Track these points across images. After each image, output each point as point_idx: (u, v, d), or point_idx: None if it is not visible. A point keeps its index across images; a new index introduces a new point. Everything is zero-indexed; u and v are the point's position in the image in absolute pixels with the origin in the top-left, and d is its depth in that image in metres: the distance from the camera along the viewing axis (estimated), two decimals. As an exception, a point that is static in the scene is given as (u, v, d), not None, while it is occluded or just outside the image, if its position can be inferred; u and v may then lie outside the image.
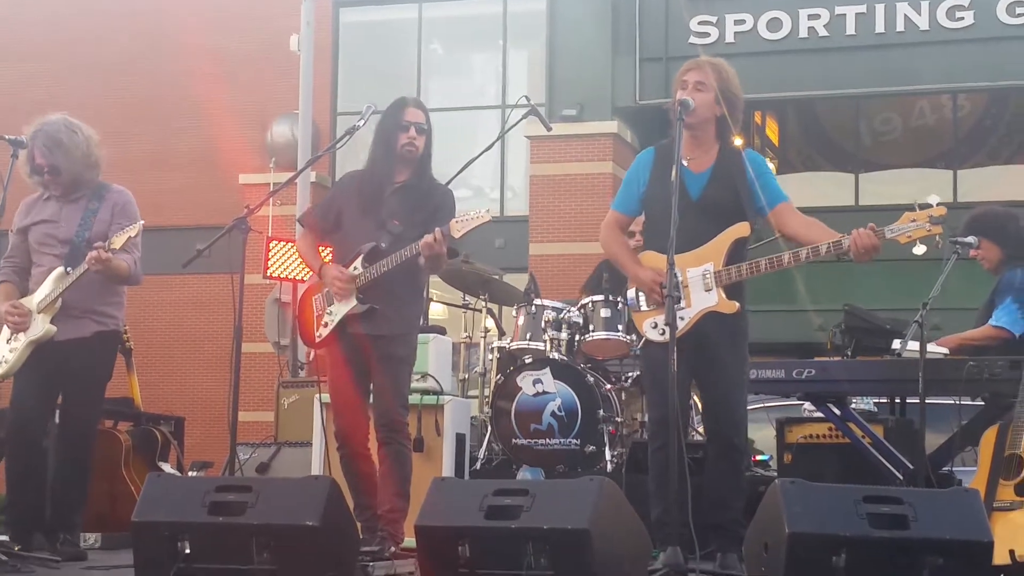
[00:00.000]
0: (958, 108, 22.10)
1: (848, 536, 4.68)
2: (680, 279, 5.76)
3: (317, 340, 6.41)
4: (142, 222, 6.52)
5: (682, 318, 5.72)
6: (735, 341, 5.91)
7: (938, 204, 5.55)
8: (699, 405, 7.50)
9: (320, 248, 6.56)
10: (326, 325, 6.32)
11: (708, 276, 5.79)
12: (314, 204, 6.69)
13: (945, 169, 21.36)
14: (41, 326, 6.55)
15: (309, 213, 6.73)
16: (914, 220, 5.55)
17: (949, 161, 21.57)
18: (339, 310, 6.25)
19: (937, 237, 5.54)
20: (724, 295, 5.79)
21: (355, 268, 6.20)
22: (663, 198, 5.81)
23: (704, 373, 5.92)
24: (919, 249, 5.63)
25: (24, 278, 6.76)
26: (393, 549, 6.01)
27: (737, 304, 5.78)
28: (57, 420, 6.84)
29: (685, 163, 5.92)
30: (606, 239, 6.19)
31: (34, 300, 6.60)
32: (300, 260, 6.58)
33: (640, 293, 6.01)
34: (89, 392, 6.73)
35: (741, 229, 5.83)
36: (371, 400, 6.29)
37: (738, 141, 6.15)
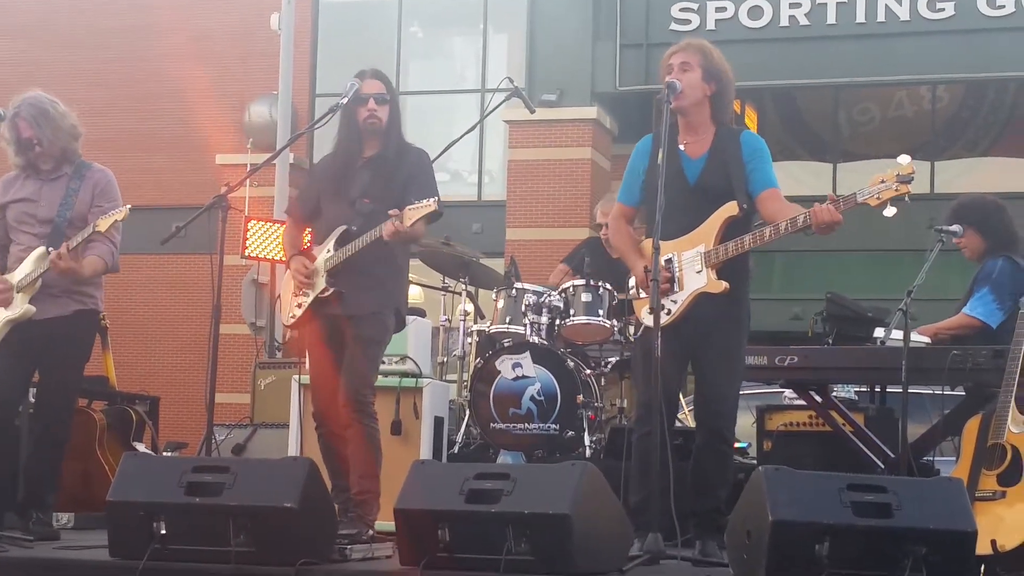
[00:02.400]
0: (936, 99, 22.13)
1: (832, 524, 4.66)
2: (676, 264, 5.74)
3: (290, 321, 6.40)
4: (128, 206, 6.44)
5: (675, 301, 5.71)
6: (733, 330, 5.86)
7: (907, 163, 5.49)
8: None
9: (303, 235, 6.56)
10: (300, 306, 6.29)
11: (699, 258, 5.75)
12: (297, 195, 6.67)
13: (923, 160, 21.38)
14: (20, 306, 6.50)
15: (291, 203, 6.73)
16: (883, 181, 5.48)
17: (927, 152, 21.59)
18: (311, 292, 6.24)
19: (906, 197, 5.48)
20: (714, 275, 5.74)
21: (328, 251, 6.18)
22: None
23: (698, 360, 5.87)
24: (889, 211, 5.59)
25: (3, 255, 6.72)
26: (371, 532, 5.96)
27: (725, 284, 5.71)
28: (32, 399, 6.77)
29: (682, 147, 5.90)
30: (611, 232, 6.23)
31: (15, 278, 6.54)
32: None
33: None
34: (67, 371, 6.67)
35: (729, 208, 5.77)
36: None
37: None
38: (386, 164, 6.22)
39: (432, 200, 5.90)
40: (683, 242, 5.77)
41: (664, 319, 5.71)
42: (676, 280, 5.76)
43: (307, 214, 6.45)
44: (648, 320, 5.81)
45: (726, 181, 5.82)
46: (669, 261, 5.76)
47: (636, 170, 6.07)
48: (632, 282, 6.06)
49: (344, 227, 6.16)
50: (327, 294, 6.15)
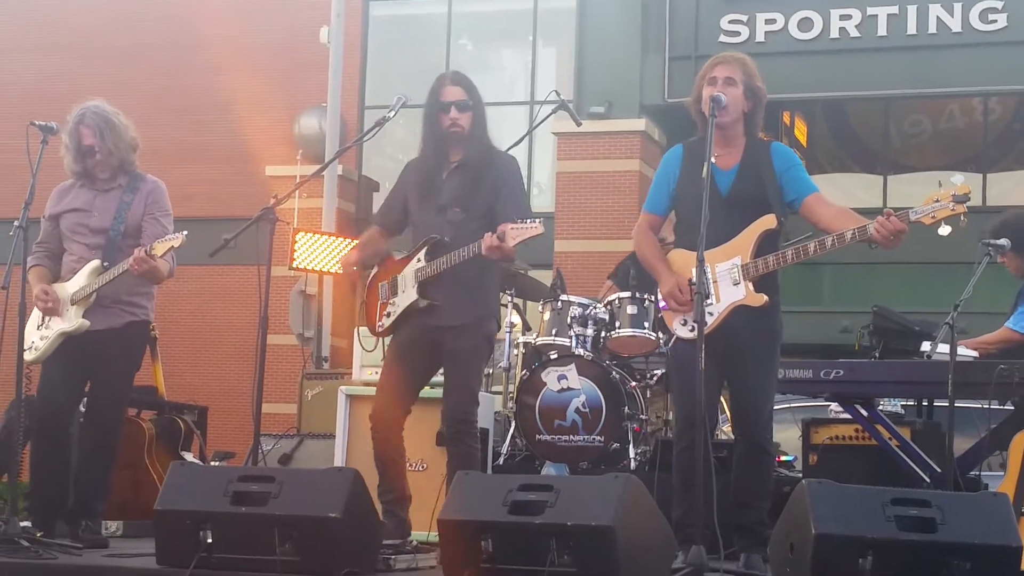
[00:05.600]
0: (988, 111, 21.97)
1: (875, 538, 4.65)
2: (709, 275, 5.70)
3: (379, 329, 6.38)
4: (185, 232, 6.48)
5: (711, 314, 5.67)
6: (767, 341, 5.84)
7: (961, 183, 5.46)
8: (725, 404, 7.46)
9: (384, 242, 6.54)
10: (388, 315, 6.30)
11: (736, 270, 5.74)
12: (382, 203, 6.65)
13: (975, 172, 21.23)
14: (75, 319, 6.57)
15: (378, 212, 6.72)
16: (937, 200, 5.44)
17: (978, 164, 21.44)
18: (402, 301, 6.23)
19: (962, 216, 5.44)
20: (752, 288, 5.73)
21: (418, 260, 6.17)
22: (693, 196, 5.76)
23: (734, 372, 5.86)
24: (944, 230, 5.55)
25: (56, 263, 6.79)
26: (415, 542, 5.98)
27: (765, 297, 5.70)
28: (83, 408, 6.83)
29: (713, 160, 5.87)
30: (638, 241, 6.15)
31: (68, 290, 6.61)
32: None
33: None
34: (118, 381, 6.73)
35: (768, 221, 5.77)
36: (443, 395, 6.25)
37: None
38: (471, 171, 6.19)
39: (538, 222, 5.86)
40: (716, 253, 5.74)
41: None
42: (711, 292, 5.74)
43: (390, 225, 6.44)
44: (680, 331, 5.81)
45: (760, 192, 5.81)
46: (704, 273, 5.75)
47: (664, 180, 6.05)
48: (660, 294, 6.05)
49: (436, 237, 6.14)
50: (421, 306, 6.14)
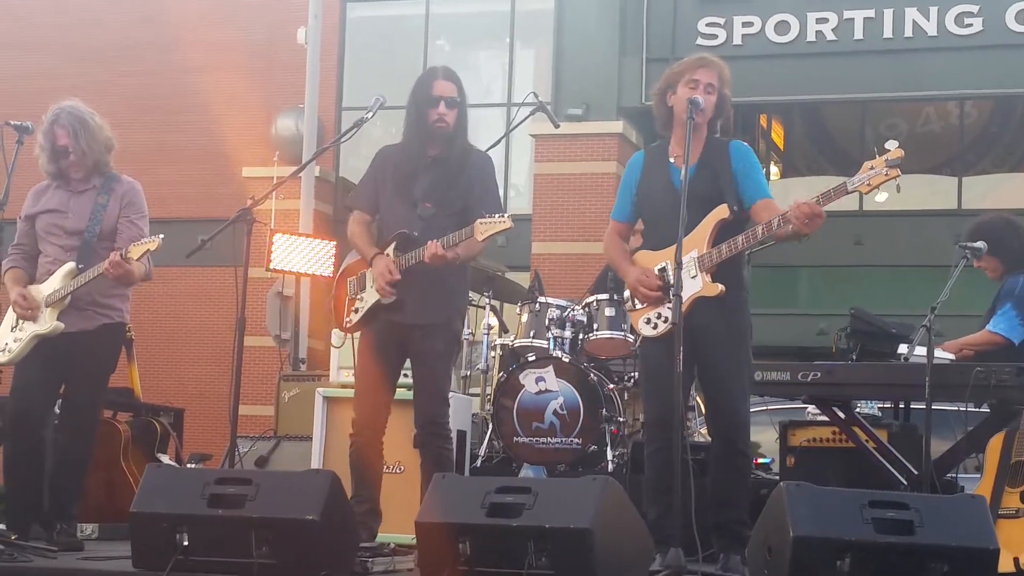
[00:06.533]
0: (964, 115, 22.06)
1: (853, 540, 4.66)
2: (669, 272, 5.71)
3: (346, 325, 6.32)
4: (161, 236, 6.46)
5: (671, 309, 5.63)
6: (735, 339, 5.84)
7: (895, 148, 5.49)
8: (701, 406, 7.46)
9: (370, 229, 6.43)
10: (356, 311, 6.23)
11: (692, 263, 5.75)
12: (355, 188, 6.54)
13: (950, 176, 21.31)
14: (49, 321, 6.54)
15: (356, 196, 6.61)
16: (872, 168, 5.48)
17: (954, 168, 21.54)
18: (370, 297, 6.16)
19: (896, 182, 5.47)
20: (709, 279, 5.74)
21: (387, 255, 6.10)
22: (655, 198, 5.89)
23: (705, 372, 5.87)
24: (881, 196, 5.60)
25: (33, 264, 6.75)
26: (392, 545, 5.96)
27: (721, 286, 5.70)
28: (58, 410, 6.80)
29: (672, 160, 5.91)
30: (606, 247, 6.19)
31: (43, 292, 6.58)
32: (353, 246, 6.42)
33: None
34: (93, 383, 6.71)
35: (720, 212, 5.78)
36: (412, 395, 6.20)
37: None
38: (447, 168, 6.15)
39: (506, 216, 5.87)
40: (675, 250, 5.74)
41: (663, 328, 5.74)
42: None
43: (373, 209, 6.31)
44: (644, 329, 5.84)
45: (716, 189, 5.83)
46: (663, 270, 5.77)
47: (627, 187, 6.09)
48: (628, 293, 6.04)
49: (405, 231, 6.09)
50: (388, 302, 6.07)
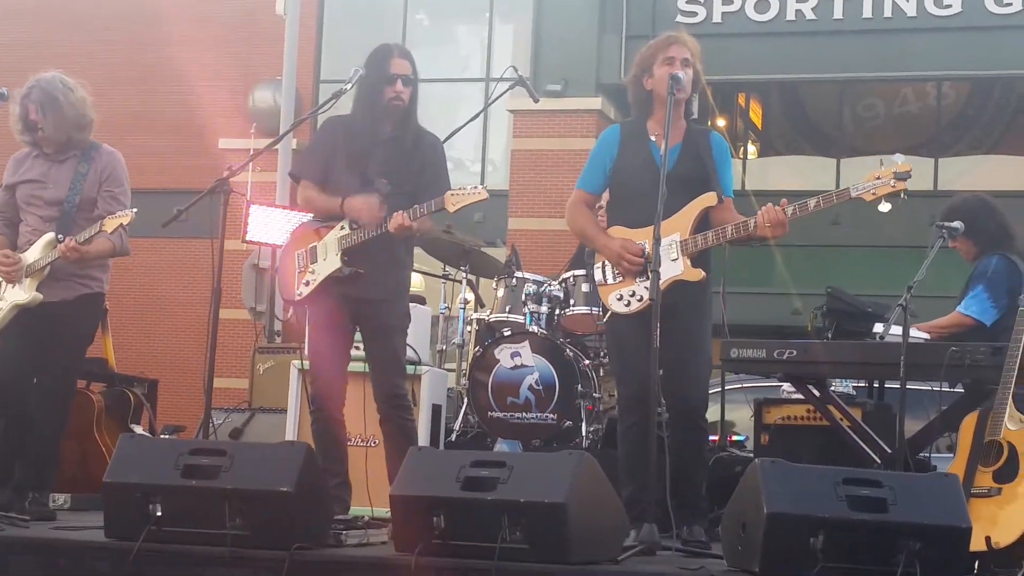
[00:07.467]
0: (942, 96, 22.11)
1: (827, 517, 4.66)
2: (647, 251, 5.73)
3: (297, 298, 6.25)
4: (135, 210, 6.43)
5: (648, 288, 5.64)
6: (700, 312, 5.91)
7: (903, 162, 5.51)
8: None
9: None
10: (307, 284, 6.16)
11: (675, 246, 5.78)
12: (299, 156, 6.48)
13: (927, 157, 21.37)
14: (28, 292, 6.52)
15: (303, 165, 6.52)
16: (879, 178, 5.52)
17: (931, 149, 21.59)
18: (322, 269, 6.11)
19: (902, 194, 5.50)
20: (690, 263, 5.79)
21: (342, 227, 6.08)
22: (634, 175, 5.90)
23: (668, 345, 5.84)
24: (884, 207, 5.63)
25: (14, 231, 6.73)
26: (366, 518, 5.95)
27: (702, 272, 5.77)
28: (34, 379, 6.77)
29: (653, 138, 5.92)
30: (573, 216, 6.17)
31: (26, 260, 6.55)
32: (312, 209, 6.36)
33: (606, 266, 5.99)
34: (70, 354, 6.69)
35: (708, 199, 5.84)
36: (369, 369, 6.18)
37: (720, 123, 6.14)
38: (402, 147, 6.13)
39: (480, 188, 5.90)
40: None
41: (636, 306, 5.75)
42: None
43: (319, 177, 6.21)
44: (616, 306, 5.86)
45: (703, 171, 5.87)
46: (641, 247, 5.79)
47: (600, 159, 6.10)
48: (598, 267, 6.04)
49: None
50: (345, 273, 6.06)
